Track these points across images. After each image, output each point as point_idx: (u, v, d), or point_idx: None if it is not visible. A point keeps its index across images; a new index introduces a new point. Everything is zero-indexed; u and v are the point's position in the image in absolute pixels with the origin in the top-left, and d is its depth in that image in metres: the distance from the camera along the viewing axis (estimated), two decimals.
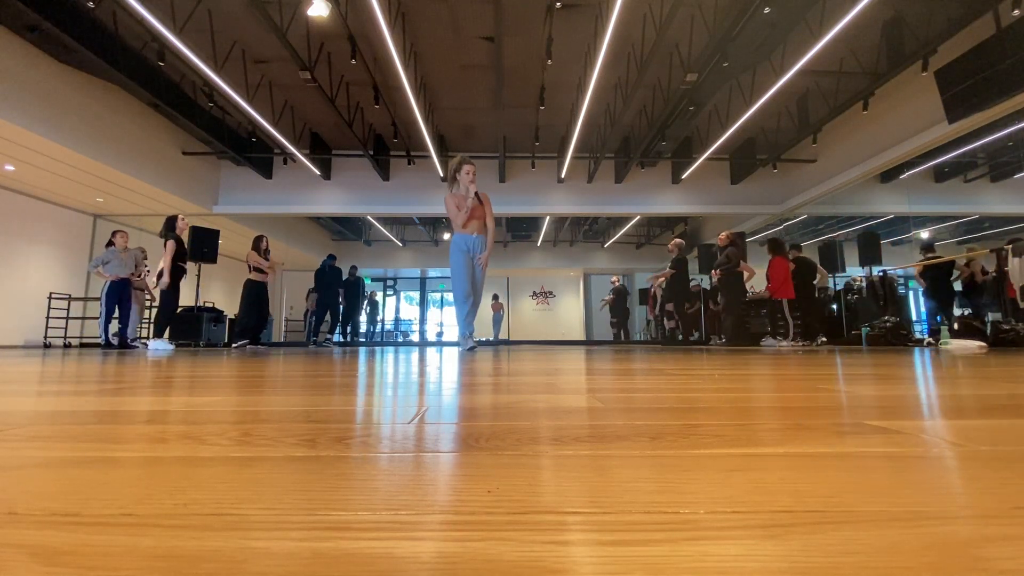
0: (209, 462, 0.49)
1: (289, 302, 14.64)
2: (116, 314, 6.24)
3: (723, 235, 7.13)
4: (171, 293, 5.67)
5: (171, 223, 5.70)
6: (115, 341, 6.34)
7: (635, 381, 1.40)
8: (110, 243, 6.33)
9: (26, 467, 0.47)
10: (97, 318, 8.41)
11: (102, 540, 0.29)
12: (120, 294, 6.23)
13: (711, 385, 1.27)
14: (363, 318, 11.31)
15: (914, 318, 8.01)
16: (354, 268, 9.66)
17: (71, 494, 0.38)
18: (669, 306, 7.96)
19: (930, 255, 6.96)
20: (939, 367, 2.01)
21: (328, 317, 8.79)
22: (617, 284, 11.80)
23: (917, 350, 4.43)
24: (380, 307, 15.51)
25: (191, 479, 0.43)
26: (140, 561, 0.26)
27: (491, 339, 13.73)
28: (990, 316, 6.52)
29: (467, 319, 3.95)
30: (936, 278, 6.81)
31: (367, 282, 12.91)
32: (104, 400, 1.00)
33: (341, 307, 9.00)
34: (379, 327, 15.46)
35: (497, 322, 14.39)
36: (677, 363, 2.36)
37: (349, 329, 9.49)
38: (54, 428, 0.68)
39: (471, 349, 3.90)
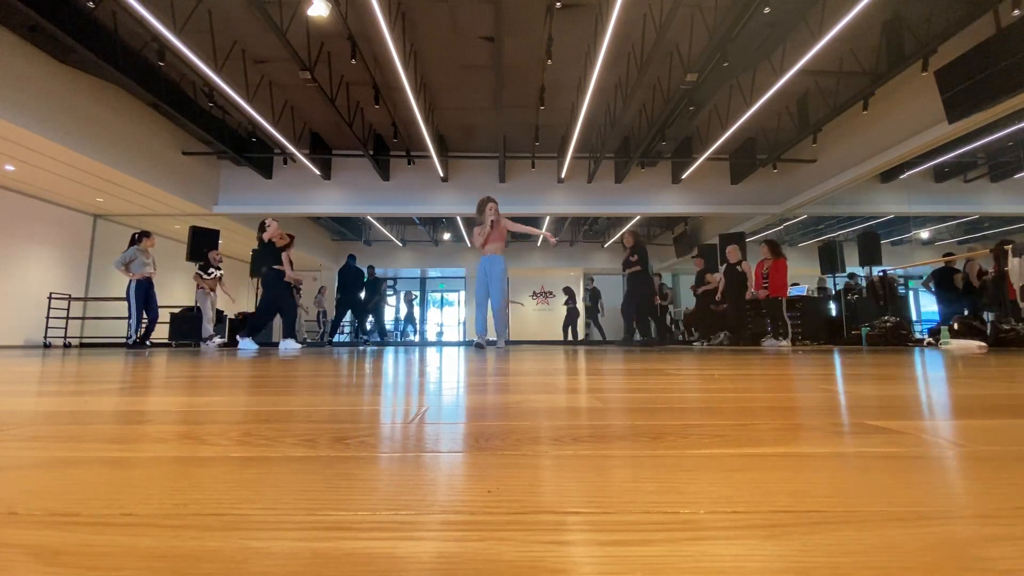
0: (209, 462, 0.49)
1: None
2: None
3: (628, 236, 7.14)
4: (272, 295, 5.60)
5: (262, 227, 5.67)
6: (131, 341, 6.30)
7: (635, 381, 1.40)
8: (133, 242, 6.29)
9: (26, 467, 0.47)
10: (99, 318, 8.47)
11: (102, 540, 0.29)
12: (147, 292, 6.27)
13: (711, 385, 1.27)
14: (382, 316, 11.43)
15: (914, 318, 8.03)
16: (371, 268, 10.03)
17: (71, 494, 0.38)
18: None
19: (947, 256, 7.15)
20: (939, 367, 2.00)
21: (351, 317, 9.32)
22: (591, 286, 12.08)
23: (917, 350, 4.43)
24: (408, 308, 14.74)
25: (191, 479, 0.43)
26: (140, 561, 0.26)
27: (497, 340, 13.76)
28: (990, 316, 6.54)
29: (483, 322, 4.82)
30: (942, 284, 6.98)
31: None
32: (105, 400, 1.00)
33: (372, 308, 9.68)
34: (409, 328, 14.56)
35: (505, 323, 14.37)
36: (674, 363, 2.36)
37: (373, 327, 10.01)
38: (54, 428, 0.68)
39: (499, 346, 4.72)
